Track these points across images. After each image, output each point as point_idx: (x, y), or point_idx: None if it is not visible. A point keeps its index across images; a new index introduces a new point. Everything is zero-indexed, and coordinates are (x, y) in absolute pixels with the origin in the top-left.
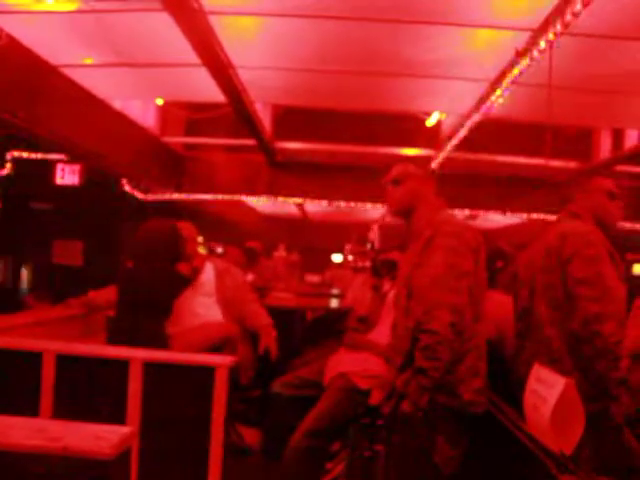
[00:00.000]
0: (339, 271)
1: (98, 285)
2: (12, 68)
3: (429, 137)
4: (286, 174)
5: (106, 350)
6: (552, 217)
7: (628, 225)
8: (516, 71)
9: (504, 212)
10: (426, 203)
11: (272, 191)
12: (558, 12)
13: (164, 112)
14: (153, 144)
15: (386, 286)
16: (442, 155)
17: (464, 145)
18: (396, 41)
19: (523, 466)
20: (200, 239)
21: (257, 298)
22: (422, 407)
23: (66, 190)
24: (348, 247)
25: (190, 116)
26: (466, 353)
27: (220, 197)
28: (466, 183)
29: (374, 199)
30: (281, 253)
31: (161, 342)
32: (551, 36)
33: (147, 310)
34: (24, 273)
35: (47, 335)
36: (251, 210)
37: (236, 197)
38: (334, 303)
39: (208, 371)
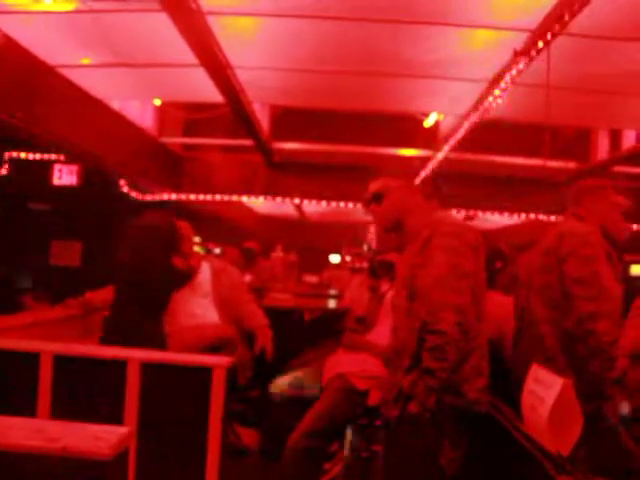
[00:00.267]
0: (337, 272)
1: (96, 286)
2: (10, 68)
3: (427, 138)
4: (284, 174)
5: (103, 351)
6: (551, 217)
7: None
8: (514, 72)
9: (502, 213)
10: (416, 211)
11: (270, 191)
12: (556, 13)
13: (162, 112)
14: (151, 144)
15: (384, 287)
16: (440, 155)
17: (462, 145)
18: (394, 41)
19: (521, 466)
20: (197, 239)
21: (253, 298)
22: (429, 408)
23: (64, 190)
24: (346, 248)
25: (188, 116)
26: (471, 352)
27: (218, 197)
28: (464, 183)
29: None
30: (279, 253)
31: (158, 340)
32: (549, 36)
33: (143, 304)
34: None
35: (45, 336)
36: (249, 210)
37: (234, 197)
38: (332, 304)
39: (206, 372)
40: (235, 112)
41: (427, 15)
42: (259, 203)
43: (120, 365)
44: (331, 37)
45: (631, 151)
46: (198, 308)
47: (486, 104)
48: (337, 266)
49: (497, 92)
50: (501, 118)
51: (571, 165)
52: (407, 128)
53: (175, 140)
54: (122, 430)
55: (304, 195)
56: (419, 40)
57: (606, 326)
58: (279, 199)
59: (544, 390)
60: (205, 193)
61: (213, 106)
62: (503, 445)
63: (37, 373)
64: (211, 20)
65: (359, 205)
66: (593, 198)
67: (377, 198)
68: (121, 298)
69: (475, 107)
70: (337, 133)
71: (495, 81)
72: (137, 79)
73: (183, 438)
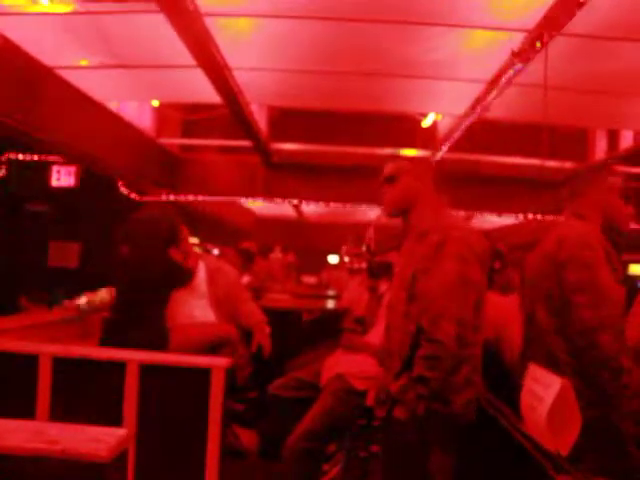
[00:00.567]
0: (335, 272)
1: (95, 287)
2: (7, 70)
3: (425, 138)
4: (282, 175)
5: (102, 352)
6: (548, 217)
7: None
8: (512, 72)
9: (500, 213)
10: (425, 201)
11: (268, 192)
12: (553, 13)
13: (160, 114)
14: (149, 146)
15: (382, 287)
16: (438, 156)
17: (460, 146)
18: (392, 42)
19: (520, 466)
20: (195, 240)
21: (250, 297)
22: (418, 415)
23: (62, 192)
24: (344, 248)
25: (186, 117)
26: (463, 361)
27: (216, 198)
28: (462, 184)
29: (370, 200)
30: (277, 254)
31: (161, 335)
32: (546, 37)
33: (144, 300)
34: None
35: (43, 338)
36: (247, 211)
37: (232, 198)
38: (330, 304)
39: (204, 373)
40: (233, 113)
41: (425, 16)
42: (257, 204)
43: (119, 367)
44: (329, 38)
45: (628, 151)
46: (196, 309)
47: (484, 104)
48: (336, 267)
49: (495, 92)
50: (499, 118)
51: (569, 165)
52: (405, 128)
53: (173, 141)
54: (121, 432)
55: (302, 196)
56: (417, 41)
57: (609, 339)
58: (277, 200)
59: (543, 389)
60: (203, 194)
61: (211, 107)
62: (502, 445)
63: (36, 375)
64: (209, 21)
65: (358, 205)
66: (596, 189)
67: (390, 180)
68: (121, 297)
69: (473, 107)
70: (335, 134)
71: (493, 81)
72: (135, 80)
73: (182, 439)
